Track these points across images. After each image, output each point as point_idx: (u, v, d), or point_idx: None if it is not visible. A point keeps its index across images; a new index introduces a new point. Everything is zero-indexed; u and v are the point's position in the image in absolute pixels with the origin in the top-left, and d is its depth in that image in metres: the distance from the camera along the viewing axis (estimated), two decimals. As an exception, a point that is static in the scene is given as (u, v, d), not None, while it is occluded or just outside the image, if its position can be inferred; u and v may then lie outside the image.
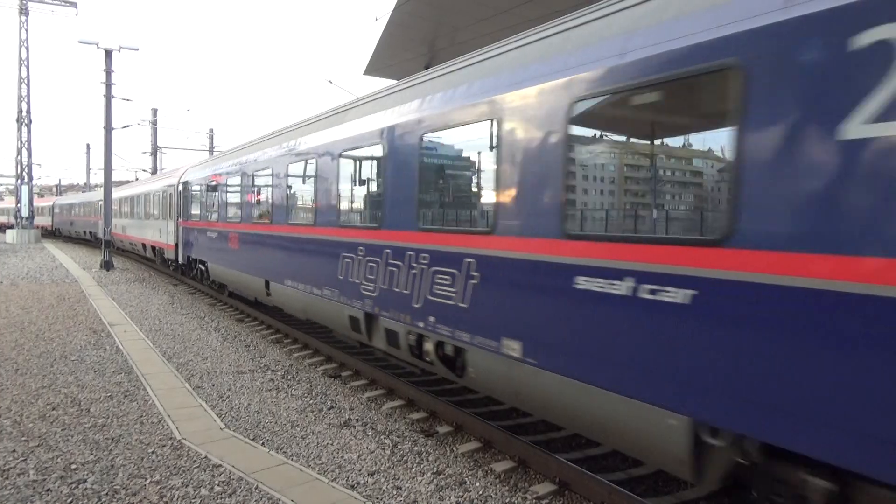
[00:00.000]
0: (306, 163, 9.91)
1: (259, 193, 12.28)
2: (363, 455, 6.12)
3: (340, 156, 8.77)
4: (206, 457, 5.81)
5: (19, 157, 49.49)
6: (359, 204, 8.41)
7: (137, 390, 7.94)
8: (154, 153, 49.86)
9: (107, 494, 5.01)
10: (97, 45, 25.01)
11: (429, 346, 6.87)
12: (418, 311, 6.82)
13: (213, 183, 15.23)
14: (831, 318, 3.32)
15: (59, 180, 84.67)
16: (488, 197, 5.97)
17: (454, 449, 6.47)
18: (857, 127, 3.22)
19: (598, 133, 5.13)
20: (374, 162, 7.94)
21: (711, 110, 4.27)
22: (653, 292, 4.28)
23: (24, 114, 48.55)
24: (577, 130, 5.05)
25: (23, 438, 6.16)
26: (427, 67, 18.35)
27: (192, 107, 79.47)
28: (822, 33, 3.39)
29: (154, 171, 48.36)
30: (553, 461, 5.74)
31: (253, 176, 12.54)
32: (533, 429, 7.03)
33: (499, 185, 5.71)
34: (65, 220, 50.99)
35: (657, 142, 4.77)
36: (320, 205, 9.29)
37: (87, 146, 69.36)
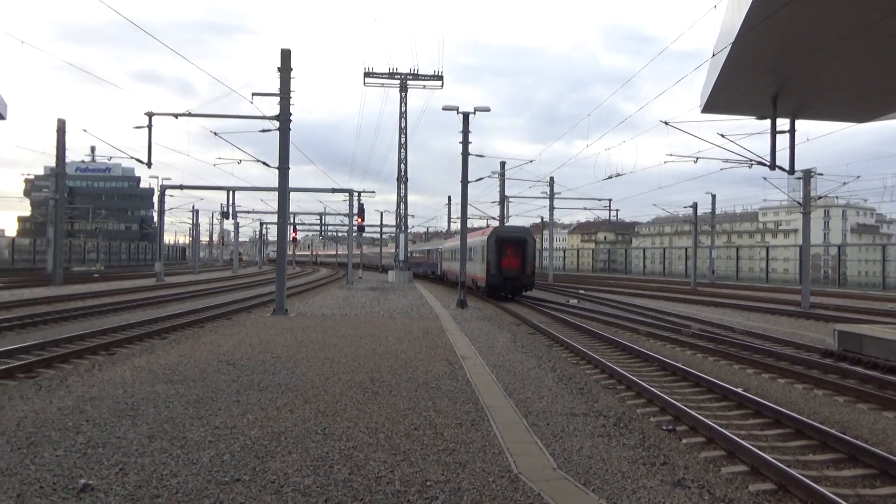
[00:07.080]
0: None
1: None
2: (698, 520, 5.71)
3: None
4: (539, 494, 6.06)
5: (398, 210, 59.04)
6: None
7: (482, 421, 8.71)
8: (501, 202, 54.78)
9: (454, 514, 5.57)
10: (457, 110, 28.83)
11: None
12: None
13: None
14: None
15: (427, 228, 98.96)
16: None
17: (810, 532, 5.61)
18: None
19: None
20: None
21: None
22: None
23: (402, 173, 57.87)
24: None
25: (392, 452, 7.25)
26: (775, 97, 16.75)
27: (533, 158, 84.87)
28: None
29: (501, 220, 53.02)
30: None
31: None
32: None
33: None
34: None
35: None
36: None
37: (449, 198, 79.30)
